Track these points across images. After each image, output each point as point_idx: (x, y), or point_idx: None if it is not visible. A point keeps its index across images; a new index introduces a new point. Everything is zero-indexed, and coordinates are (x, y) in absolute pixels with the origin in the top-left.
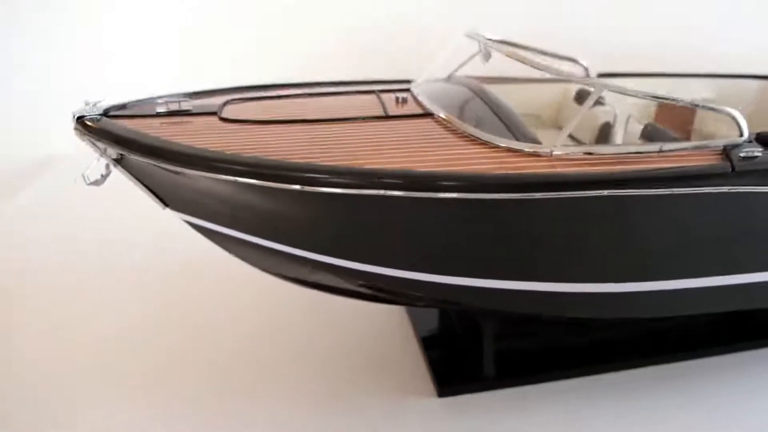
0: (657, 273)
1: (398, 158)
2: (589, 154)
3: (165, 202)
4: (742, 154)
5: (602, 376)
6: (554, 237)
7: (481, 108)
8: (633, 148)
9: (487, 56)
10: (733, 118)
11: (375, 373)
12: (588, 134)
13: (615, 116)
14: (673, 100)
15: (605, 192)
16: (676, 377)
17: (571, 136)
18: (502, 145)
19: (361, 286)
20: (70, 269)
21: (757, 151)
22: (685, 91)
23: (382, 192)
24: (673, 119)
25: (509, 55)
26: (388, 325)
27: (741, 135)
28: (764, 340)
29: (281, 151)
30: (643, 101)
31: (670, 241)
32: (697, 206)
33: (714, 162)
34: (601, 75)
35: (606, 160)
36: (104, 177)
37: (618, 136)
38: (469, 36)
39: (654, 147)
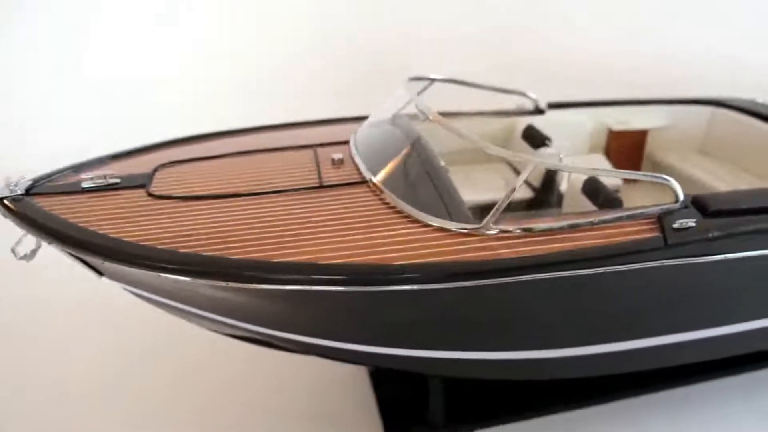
0: (590, 339)
1: (328, 243)
2: (524, 230)
3: (100, 273)
4: (675, 225)
5: (553, 417)
6: (490, 314)
7: (417, 173)
8: (567, 222)
9: (423, 116)
10: (668, 185)
11: (325, 416)
12: (534, 177)
13: (560, 159)
14: (608, 172)
15: (537, 276)
16: (628, 414)
17: (514, 170)
18: (435, 224)
19: (299, 350)
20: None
21: (692, 221)
22: (637, 119)
23: (307, 287)
24: (624, 147)
25: (438, 121)
26: (341, 367)
27: (676, 201)
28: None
29: (208, 237)
30: (594, 130)
31: (606, 310)
32: (632, 279)
33: (647, 235)
34: (552, 105)
35: (540, 236)
36: (34, 252)
37: (563, 182)
38: (406, 87)
39: (588, 219)
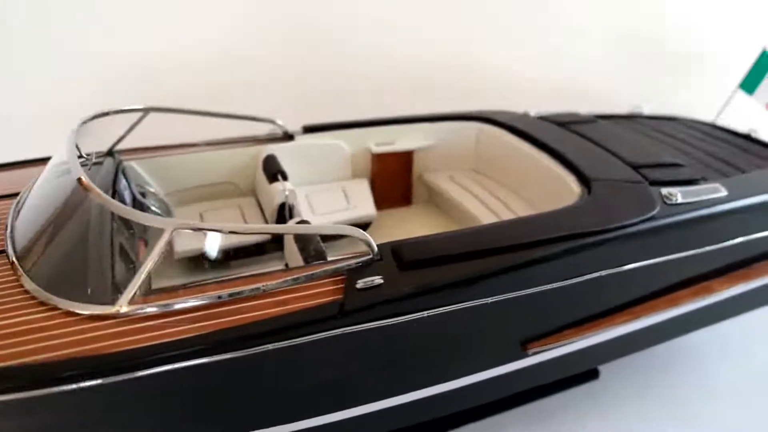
0: (283, 416)
1: None
2: (165, 307)
3: None
4: (359, 285)
5: None
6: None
7: (61, 242)
8: (227, 292)
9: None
10: (361, 238)
11: None
12: (268, 209)
13: (287, 195)
14: (278, 228)
15: (178, 365)
16: None
17: (260, 205)
18: (62, 307)
19: None
20: None
21: (379, 278)
22: (403, 139)
23: None
24: (389, 169)
25: (87, 188)
26: None
27: (370, 254)
28: None
29: None
30: (357, 153)
31: (288, 386)
32: (307, 352)
33: (326, 299)
34: (308, 128)
35: (190, 313)
36: None
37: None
38: (76, 134)
39: (253, 286)
